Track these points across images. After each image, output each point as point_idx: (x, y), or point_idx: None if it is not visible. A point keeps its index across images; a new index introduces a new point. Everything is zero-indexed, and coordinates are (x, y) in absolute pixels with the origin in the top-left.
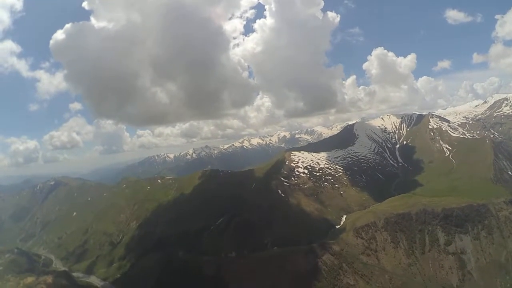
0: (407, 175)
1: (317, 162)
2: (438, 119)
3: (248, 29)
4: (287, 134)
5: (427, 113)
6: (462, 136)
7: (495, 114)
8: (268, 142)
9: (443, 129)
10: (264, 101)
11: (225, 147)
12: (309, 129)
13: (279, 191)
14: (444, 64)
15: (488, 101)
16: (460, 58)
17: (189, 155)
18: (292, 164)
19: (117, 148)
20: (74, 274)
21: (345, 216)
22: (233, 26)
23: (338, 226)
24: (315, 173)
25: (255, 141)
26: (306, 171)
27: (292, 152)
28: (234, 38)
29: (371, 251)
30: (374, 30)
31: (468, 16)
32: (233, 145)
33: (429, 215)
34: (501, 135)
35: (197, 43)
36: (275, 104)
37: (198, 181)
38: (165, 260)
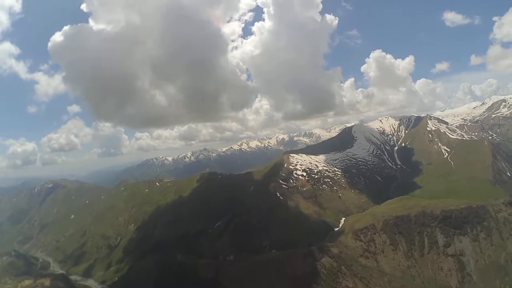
0: (406, 177)
1: (316, 165)
2: (436, 121)
3: (246, 32)
4: (286, 137)
5: (425, 115)
6: (460, 138)
7: (493, 115)
8: (266, 145)
9: (442, 131)
10: (262, 103)
11: (223, 150)
12: (307, 132)
13: (277, 193)
14: (442, 66)
15: (486, 103)
16: (458, 60)
17: (188, 157)
18: (290, 167)
19: (116, 151)
20: (72, 277)
21: (343, 219)
22: (231, 28)
23: (337, 229)
24: (313, 175)
25: (253, 143)
26: (304, 173)
27: (291, 154)
28: (233, 41)
29: (370, 254)
30: (372, 32)
31: (466, 18)
32: (231, 147)
33: (428, 217)
34: (499, 137)
35: (196, 45)
36: (273, 107)
37: (196, 183)
38: (163, 263)
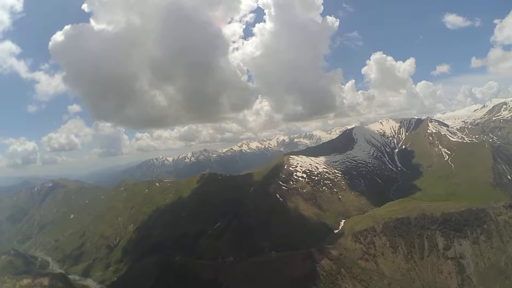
0: (406, 179)
1: (316, 166)
2: (437, 123)
3: (247, 33)
4: (286, 138)
5: (426, 117)
6: (461, 141)
7: (494, 118)
8: (267, 146)
9: (442, 133)
10: (263, 105)
11: (223, 151)
12: (308, 133)
13: (277, 195)
14: (443, 68)
15: (487, 106)
16: (459, 63)
17: (188, 158)
18: (290, 168)
19: (116, 151)
20: (71, 276)
21: (343, 221)
22: (232, 30)
23: (337, 231)
24: (313, 177)
25: (253, 145)
26: (304, 175)
27: (291, 156)
28: (234, 42)
29: (370, 256)
30: (373, 34)
31: (467, 20)
32: (231, 148)
33: (428, 219)
34: (500, 140)
35: (197, 46)
36: (274, 108)
37: (196, 184)
38: (162, 263)
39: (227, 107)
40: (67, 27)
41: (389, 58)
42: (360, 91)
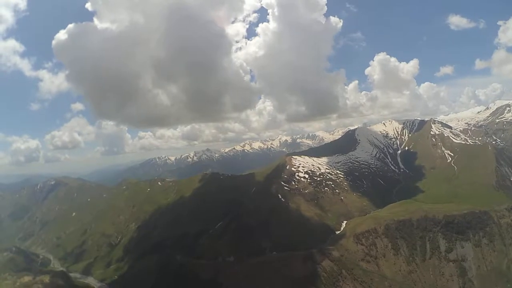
0: (409, 181)
1: (318, 167)
2: (440, 125)
3: (250, 33)
4: (289, 139)
5: (429, 119)
6: (464, 142)
7: (497, 120)
8: (269, 146)
9: (445, 135)
10: (266, 105)
11: (226, 151)
12: (310, 134)
13: (279, 195)
14: (447, 70)
15: (490, 108)
16: (462, 64)
17: (190, 157)
18: (292, 169)
19: (118, 150)
20: (72, 274)
21: (345, 222)
22: (236, 29)
23: (338, 232)
24: (315, 178)
25: (256, 145)
26: (306, 175)
27: (293, 156)
28: (237, 42)
29: (371, 258)
30: (377, 35)
31: (471, 22)
32: (234, 148)
33: (430, 221)
34: (503, 142)
35: (200, 45)
36: (276, 108)
37: (198, 184)
38: (163, 262)
39: (229, 107)
40: (70, 25)
41: (393, 59)
42: (363, 92)
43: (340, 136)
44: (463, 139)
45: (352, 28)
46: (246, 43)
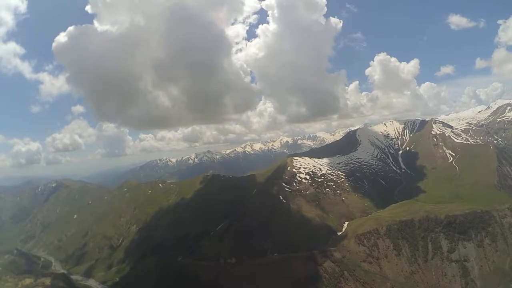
0: (410, 181)
1: (319, 168)
2: (441, 125)
3: (251, 34)
4: (290, 140)
5: (430, 119)
6: (465, 142)
7: (498, 119)
8: (270, 148)
9: (446, 135)
10: (266, 106)
11: (227, 152)
12: (311, 135)
13: (280, 196)
14: (447, 69)
15: (491, 107)
16: (463, 64)
17: (191, 159)
18: (294, 170)
19: (120, 152)
20: (73, 276)
21: (346, 223)
22: (236, 31)
23: (340, 233)
24: (317, 179)
25: (257, 146)
26: (308, 176)
27: (294, 157)
28: (237, 43)
29: (373, 259)
30: (377, 35)
31: (471, 21)
32: (235, 150)
33: (432, 222)
34: (504, 141)
35: (200, 47)
36: (277, 109)
37: (199, 185)
38: (164, 264)
39: (230, 108)
40: (70, 28)
41: (393, 59)
42: (364, 93)
43: (341, 137)
44: (464, 138)
45: (352, 29)
46: (246, 45)
